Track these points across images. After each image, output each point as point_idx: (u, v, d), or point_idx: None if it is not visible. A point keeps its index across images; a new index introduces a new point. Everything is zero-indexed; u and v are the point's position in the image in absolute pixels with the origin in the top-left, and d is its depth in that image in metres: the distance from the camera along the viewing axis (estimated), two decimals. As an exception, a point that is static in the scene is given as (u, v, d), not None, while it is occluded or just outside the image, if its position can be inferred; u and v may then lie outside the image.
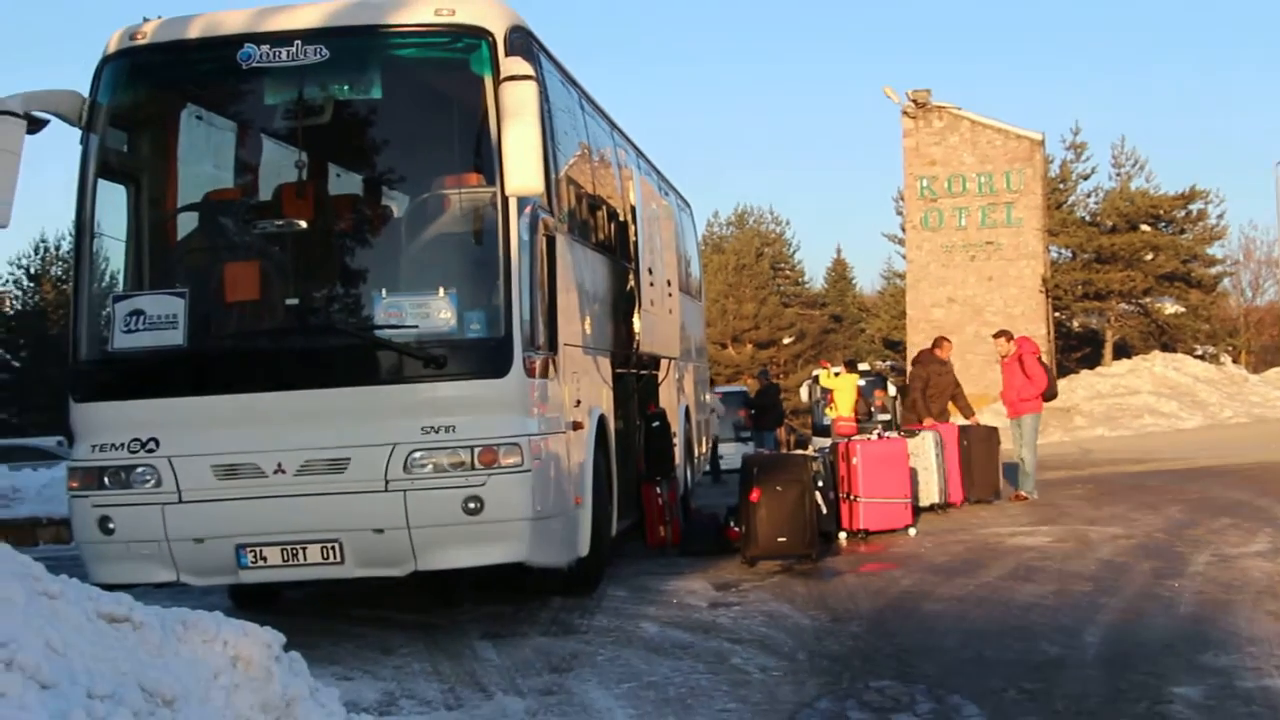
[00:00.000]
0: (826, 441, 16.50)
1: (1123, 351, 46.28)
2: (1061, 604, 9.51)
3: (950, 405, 16.86)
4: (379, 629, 9.80)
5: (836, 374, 23.59)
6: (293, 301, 9.11)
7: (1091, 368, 42.27)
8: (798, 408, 54.41)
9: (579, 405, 10.20)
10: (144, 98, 9.57)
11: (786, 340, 71.14)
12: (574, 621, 9.62)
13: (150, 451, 8.76)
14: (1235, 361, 47.52)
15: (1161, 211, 47.94)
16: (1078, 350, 49.34)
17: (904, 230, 43.56)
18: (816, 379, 28.26)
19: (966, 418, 16.75)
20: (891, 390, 38.80)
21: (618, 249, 12.72)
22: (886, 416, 31.50)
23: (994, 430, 16.45)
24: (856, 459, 13.78)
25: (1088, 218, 49.40)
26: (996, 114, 44.05)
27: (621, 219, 12.98)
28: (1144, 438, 30.54)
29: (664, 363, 14.57)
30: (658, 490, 13.49)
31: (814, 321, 74.12)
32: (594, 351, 11.14)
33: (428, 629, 9.67)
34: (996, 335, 17.06)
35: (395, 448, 8.63)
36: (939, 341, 17.17)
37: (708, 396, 24.27)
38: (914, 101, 40.30)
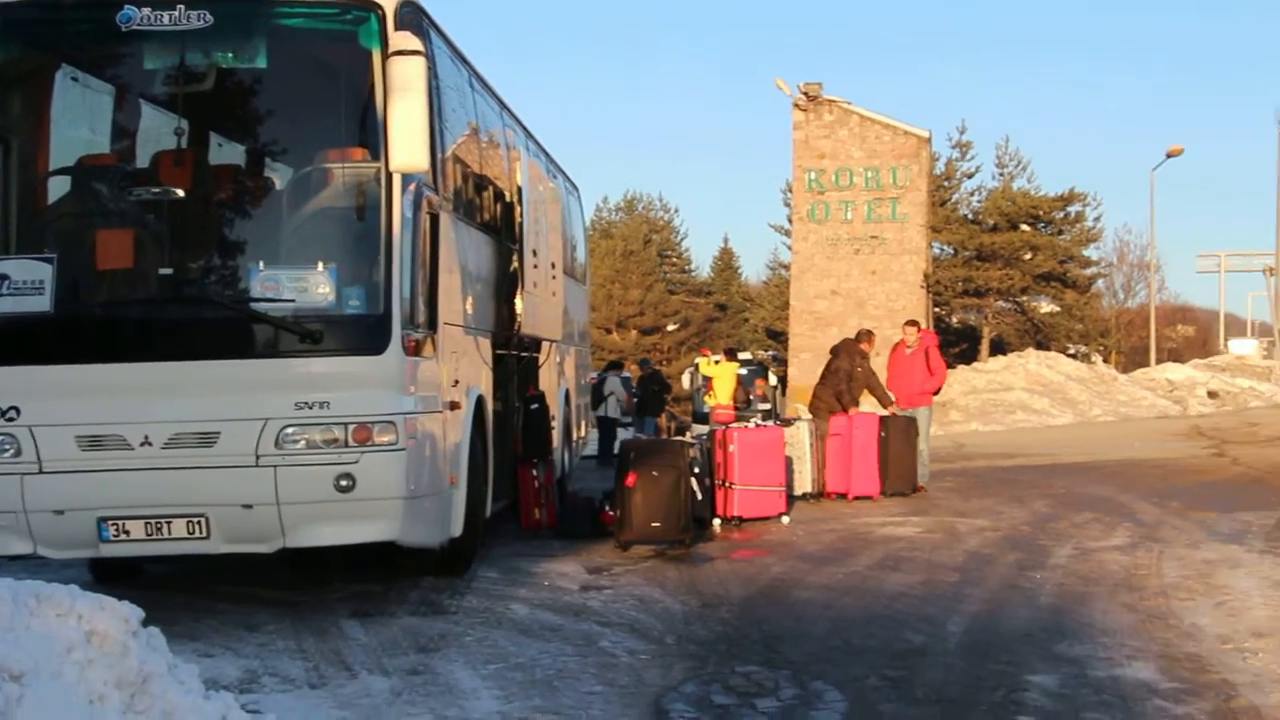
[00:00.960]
0: (705, 429, 16.53)
1: (999, 348, 47.00)
2: (928, 594, 9.66)
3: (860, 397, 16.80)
4: (244, 606, 9.66)
5: (717, 362, 23.73)
6: (166, 271, 8.92)
7: (968, 363, 42.81)
8: (679, 395, 54.68)
9: (457, 385, 10.15)
10: (17, 56, 9.29)
11: (671, 327, 71.41)
12: (444, 602, 9.57)
13: (10, 420, 8.55)
14: (1105, 361, 48.50)
15: (1041, 212, 48.74)
16: (955, 346, 49.98)
17: (791, 222, 43.79)
18: (698, 367, 28.41)
19: (885, 408, 16.57)
20: (772, 380, 39.03)
21: (503, 230, 12.66)
22: (766, 405, 31.72)
23: (913, 422, 16.32)
24: (733, 446, 13.86)
25: (970, 216, 50.07)
26: (886, 110, 44.46)
27: (508, 200, 12.91)
28: (1016, 433, 31.09)
29: (545, 345, 14.54)
30: (534, 472, 13.47)
31: (699, 309, 74.45)
32: (474, 332, 11.09)
33: (295, 607, 9.55)
34: (907, 324, 16.96)
35: (267, 423, 8.51)
36: (863, 334, 16.97)
37: (615, 381, 24.32)
38: (805, 94, 40.54)
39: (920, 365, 16.53)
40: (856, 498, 15.59)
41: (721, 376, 22.90)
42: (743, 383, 24.15)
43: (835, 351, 16.70)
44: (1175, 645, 7.91)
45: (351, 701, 6.94)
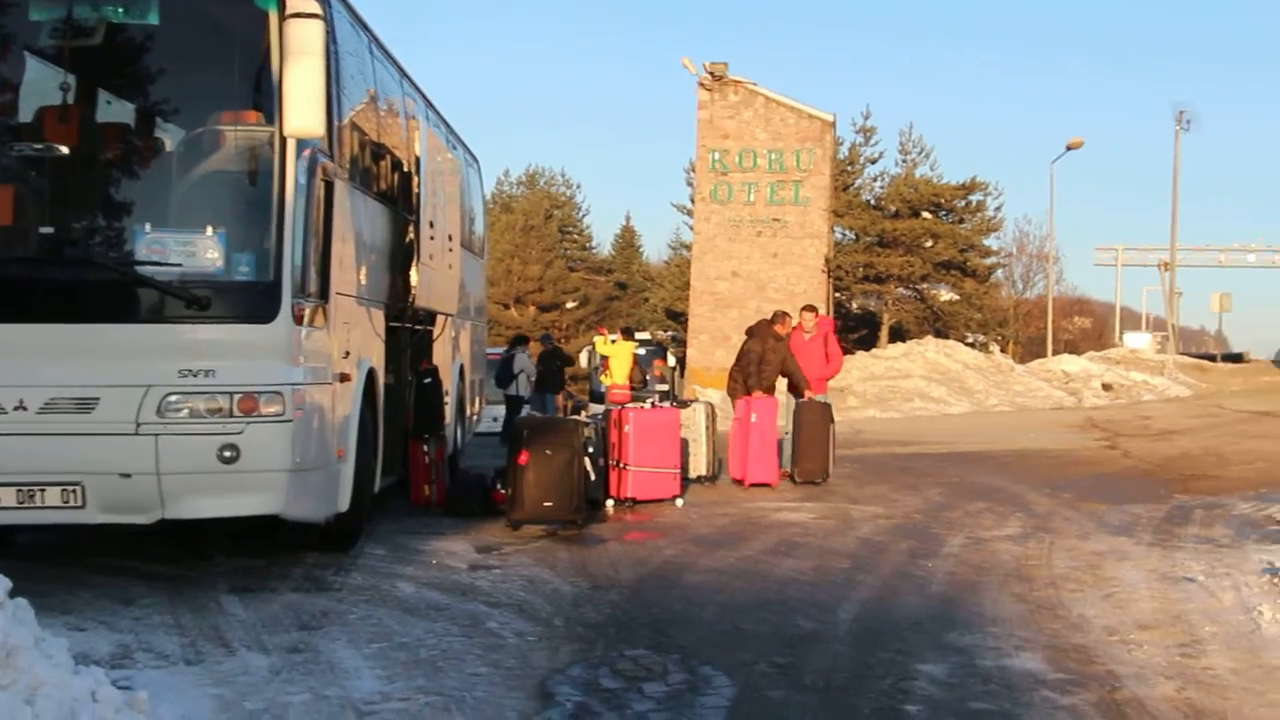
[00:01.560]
0: (601, 408, 16.48)
1: (898, 335, 47.46)
2: (819, 580, 9.69)
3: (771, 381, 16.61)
4: (120, 579, 9.45)
5: (613, 341, 23.70)
6: (48, 230, 8.70)
7: (868, 349, 43.24)
8: (577, 373, 54.66)
9: (348, 357, 10.08)
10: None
11: (570, 305, 71.32)
12: (328, 579, 9.45)
13: None
14: (1003, 351, 49.29)
15: (943, 200, 49.27)
16: (855, 331, 50.46)
17: (693, 202, 43.87)
18: (595, 345, 28.33)
19: (801, 393, 16.31)
20: (671, 360, 39.03)
21: (399, 200, 12.59)
22: (664, 386, 31.75)
23: (827, 407, 16.15)
24: (628, 427, 13.83)
25: (872, 201, 50.48)
26: (791, 93, 44.56)
27: (405, 169, 12.84)
28: (913, 421, 31.42)
29: (440, 319, 14.49)
30: (425, 448, 13.41)
31: (599, 287, 74.47)
32: (367, 303, 11.03)
33: (173, 581, 9.36)
34: (806, 309, 16.72)
35: (149, 390, 8.33)
36: (778, 316, 16.44)
37: (524, 358, 24.23)
38: (711, 74, 40.59)
39: (818, 351, 16.51)
40: (753, 484, 15.58)
41: (618, 356, 22.90)
42: (640, 363, 24.10)
43: (750, 333, 16.40)
44: (1063, 636, 8.00)
45: (228, 679, 6.80)
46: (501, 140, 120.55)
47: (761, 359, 15.84)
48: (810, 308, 16.90)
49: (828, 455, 16.04)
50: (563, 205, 77.77)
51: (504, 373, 24.53)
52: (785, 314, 16.47)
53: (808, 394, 16.14)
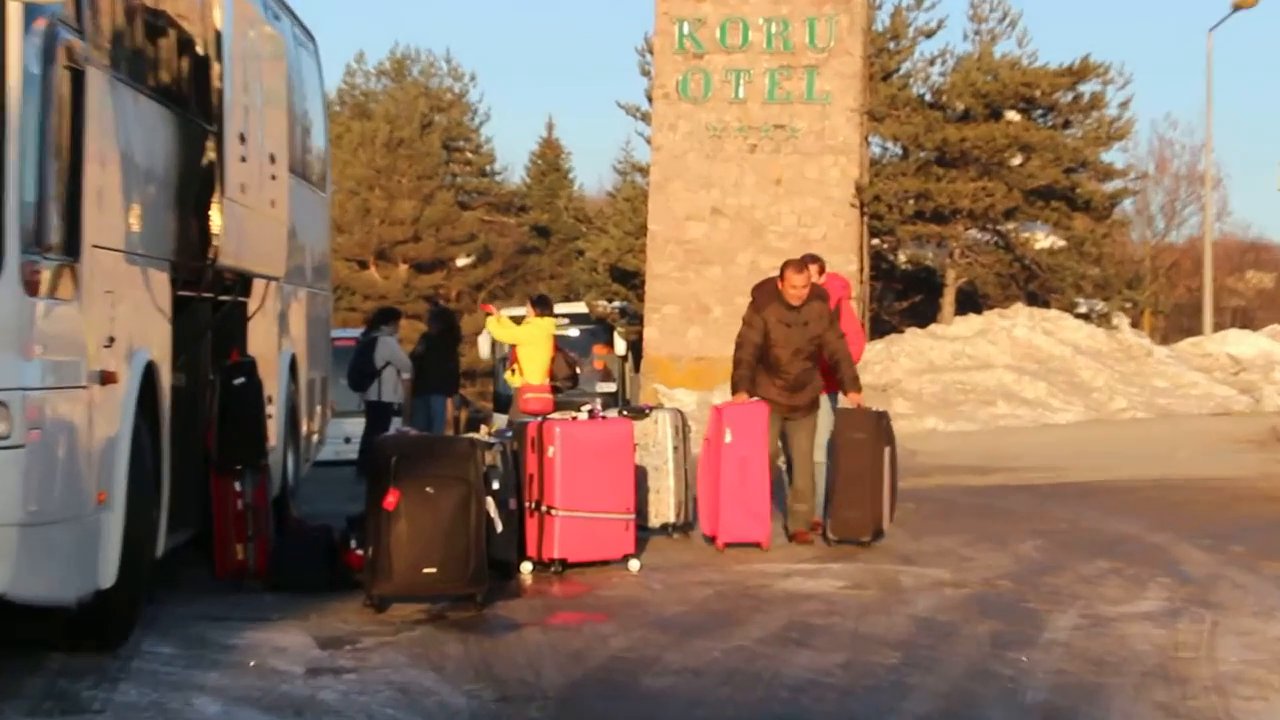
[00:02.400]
0: (503, 419, 16.48)
1: (970, 303, 47.44)
2: (852, 685, 9.68)
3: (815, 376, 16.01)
4: None
5: (518, 320, 23.53)
6: None
7: (922, 325, 43.23)
8: (475, 368, 54.66)
9: (112, 345, 10.11)
10: None
11: (463, 261, 71.22)
12: (83, 695, 9.38)
13: None
14: (1135, 326, 49.36)
15: (1039, 93, 49.21)
16: (904, 298, 50.49)
17: (651, 100, 43.86)
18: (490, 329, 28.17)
19: (846, 394, 15.87)
20: (620, 346, 39.07)
21: (190, 100, 12.65)
22: (610, 387, 31.90)
23: (882, 420, 15.63)
24: (553, 449, 13.81)
25: (929, 97, 50.38)
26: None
27: (199, 52, 12.89)
28: (995, 435, 31.44)
29: (259, 285, 14.54)
30: (238, 487, 13.37)
31: (507, 234, 74.41)
32: (144, 261, 11.10)
33: None
34: (807, 262, 16.03)
35: None
36: (796, 265, 15.71)
37: (391, 345, 24.15)
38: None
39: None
40: (729, 545, 15.30)
41: (531, 342, 22.64)
42: (567, 352, 23.88)
43: (755, 292, 16.00)
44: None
45: None
46: (354, 6, 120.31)
47: (766, 340, 15.41)
48: (813, 260, 16.34)
49: (881, 499, 15.47)
50: (448, 107, 77.64)
51: (361, 367, 24.46)
52: (807, 263, 15.86)
53: (853, 396, 15.87)
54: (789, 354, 15.59)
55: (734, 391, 15.72)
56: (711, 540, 15.46)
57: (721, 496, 15.35)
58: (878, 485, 15.46)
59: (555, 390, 22.32)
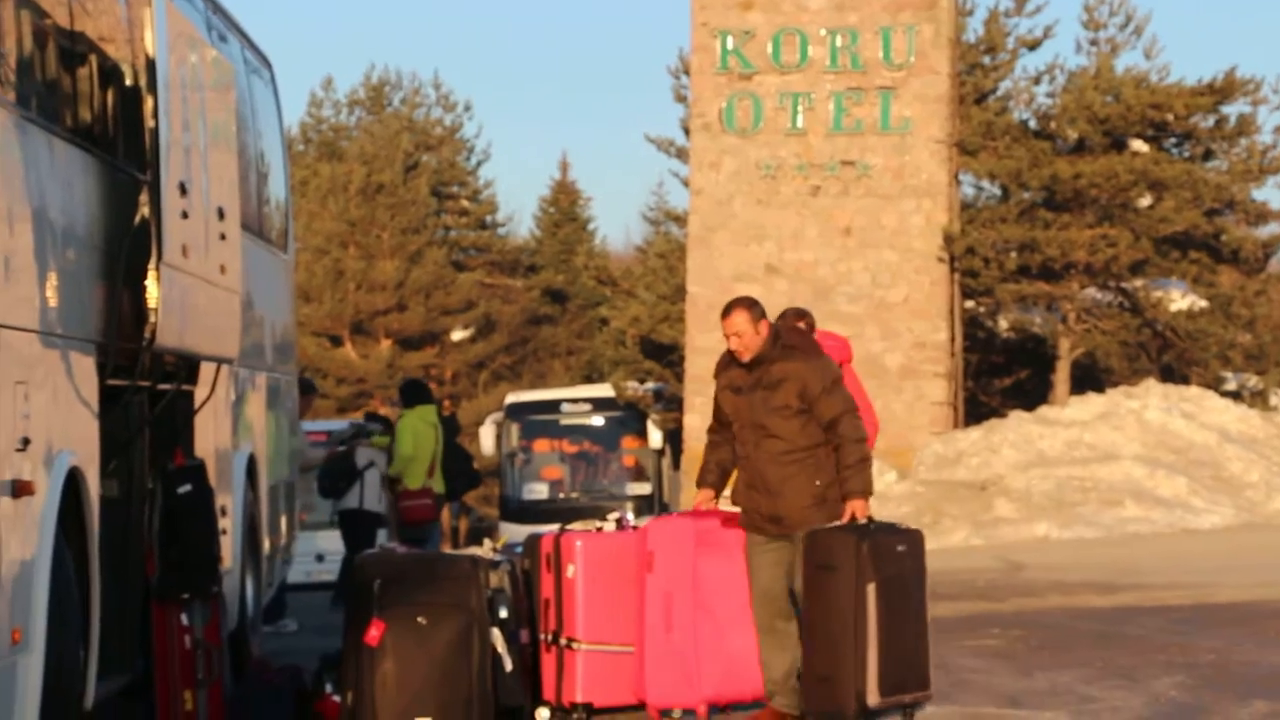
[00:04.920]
0: (523, 532, 16.47)
1: (1089, 378, 47.36)
2: None
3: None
4: None
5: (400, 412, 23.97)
6: None
7: (1030, 408, 43.12)
8: (481, 467, 54.53)
9: (26, 449, 10.13)
10: None
11: (459, 334, 71.37)
12: None
13: None
14: (1298, 405, 49.11)
15: (1172, 117, 49.10)
16: (1005, 374, 50.43)
17: (689, 134, 44.00)
18: (503, 418, 28.33)
19: (843, 500, 13.85)
20: (655, 438, 38.86)
21: (118, 142, 12.65)
22: (644, 488, 31.85)
23: (916, 539, 14.08)
24: (574, 568, 13.79)
25: (1033, 123, 50.42)
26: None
27: (127, 83, 12.89)
28: (1122, 543, 31.32)
29: (207, 370, 14.58)
30: (184, 620, 13.32)
31: (514, 300, 74.52)
32: (63, 343, 11.11)
33: None
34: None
35: None
36: (735, 304, 14.65)
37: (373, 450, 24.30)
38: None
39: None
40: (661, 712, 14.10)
41: (408, 435, 23.08)
42: (584, 452, 24.04)
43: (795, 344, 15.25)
44: None
45: None
46: (320, 23, 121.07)
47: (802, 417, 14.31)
48: (799, 315, 15.52)
49: (865, 662, 13.57)
50: (438, 144, 77.98)
51: (338, 471, 24.54)
52: (802, 314, 15.23)
53: (850, 505, 13.87)
54: (750, 435, 13.99)
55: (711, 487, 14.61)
56: (637, 708, 14.20)
57: (646, 647, 14.08)
58: (858, 642, 13.56)
59: (430, 496, 22.63)
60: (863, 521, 13.55)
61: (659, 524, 14.68)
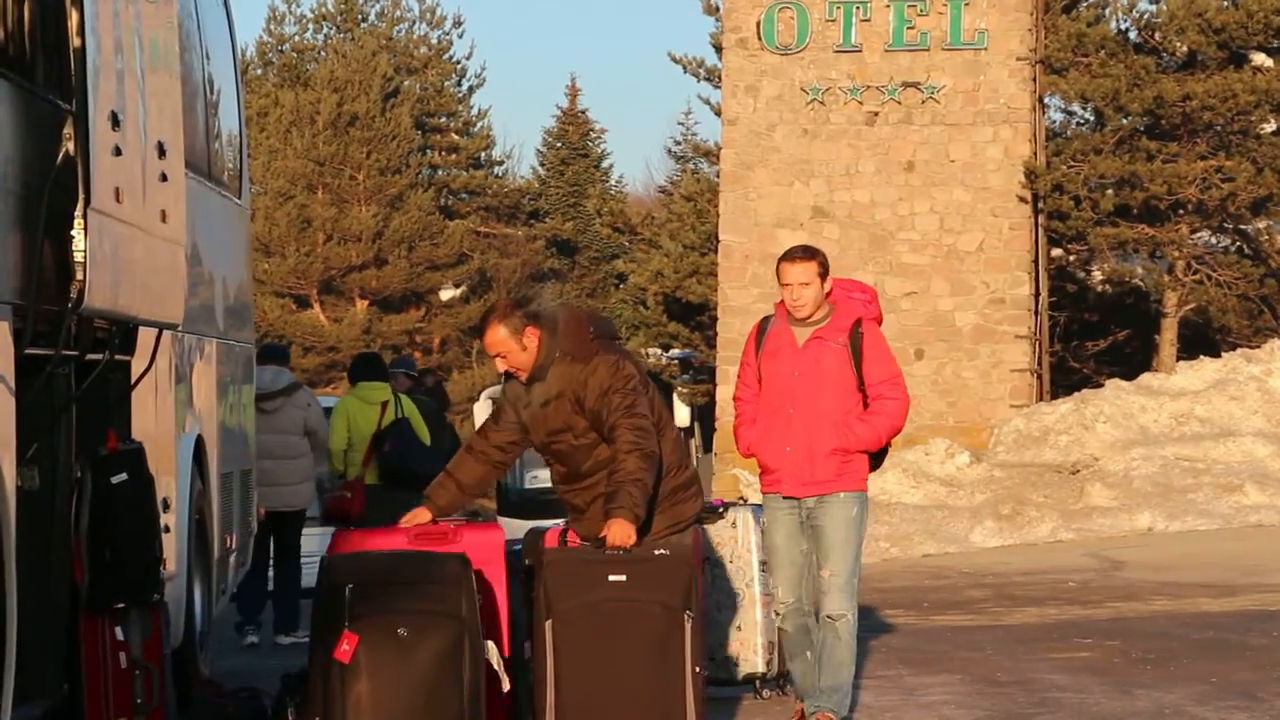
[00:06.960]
0: (524, 528, 16.42)
1: (1201, 339, 47.31)
2: None
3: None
4: None
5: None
6: None
7: (1130, 375, 43.09)
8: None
9: None
10: None
11: (448, 293, 71.50)
12: None
13: None
14: None
15: (1295, 29, 49.17)
16: (1100, 335, 50.39)
17: (719, 51, 44.02)
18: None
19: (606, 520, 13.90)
20: (681, 414, 38.86)
21: (34, 63, 12.53)
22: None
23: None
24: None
25: (1134, 34, 50.36)
26: None
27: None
28: (1241, 536, 31.38)
29: (146, 337, 14.49)
30: (119, 635, 13.32)
31: (513, 252, 74.66)
32: None
33: None
34: (792, 260, 14.41)
35: None
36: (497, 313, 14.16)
37: None
38: None
39: (839, 377, 14.92)
40: None
41: (340, 422, 23.07)
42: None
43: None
44: None
45: None
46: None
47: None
48: (803, 255, 14.98)
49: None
50: (423, 67, 78.12)
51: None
52: (813, 252, 14.62)
53: (612, 528, 12.99)
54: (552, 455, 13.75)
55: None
56: None
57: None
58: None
59: (398, 485, 22.35)
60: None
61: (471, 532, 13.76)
